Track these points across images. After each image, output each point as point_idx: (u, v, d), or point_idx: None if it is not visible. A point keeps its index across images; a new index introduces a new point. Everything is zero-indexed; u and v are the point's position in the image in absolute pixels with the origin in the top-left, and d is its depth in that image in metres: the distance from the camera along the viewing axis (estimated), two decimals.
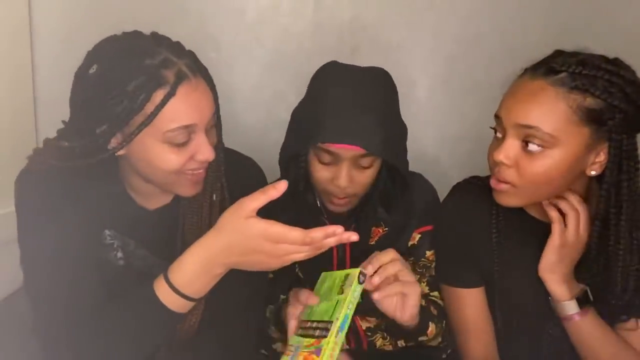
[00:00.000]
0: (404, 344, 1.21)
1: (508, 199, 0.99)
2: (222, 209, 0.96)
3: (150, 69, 0.87)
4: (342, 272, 0.99)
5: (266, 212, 1.03)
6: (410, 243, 1.19)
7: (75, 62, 0.98)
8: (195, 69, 0.92)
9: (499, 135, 0.98)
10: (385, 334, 1.21)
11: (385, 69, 1.07)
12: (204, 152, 0.94)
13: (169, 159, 0.91)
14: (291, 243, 0.83)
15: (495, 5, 1.60)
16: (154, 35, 0.94)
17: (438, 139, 1.70)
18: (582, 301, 1.01)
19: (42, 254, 0.95)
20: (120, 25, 0.99)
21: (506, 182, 0.96)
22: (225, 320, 1.01)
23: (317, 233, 0.83)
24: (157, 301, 0.88)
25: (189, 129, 0.91)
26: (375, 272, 0.96)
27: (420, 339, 1.11)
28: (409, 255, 1.18)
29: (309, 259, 1.10)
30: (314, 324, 0.94)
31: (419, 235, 1.20)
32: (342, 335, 0.88)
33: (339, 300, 0.93)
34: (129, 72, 0.87)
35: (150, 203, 1.05)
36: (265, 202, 0.84)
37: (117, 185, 1.03)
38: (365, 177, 1.09)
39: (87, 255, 0.96)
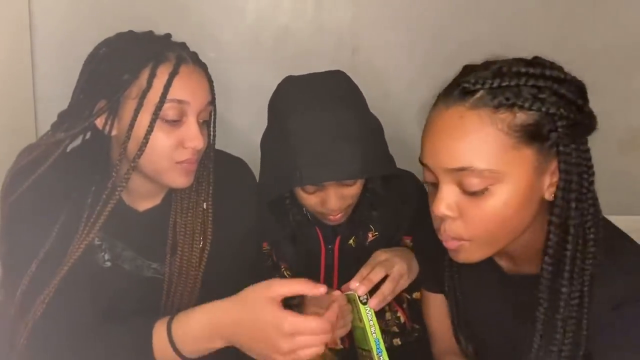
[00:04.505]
0: (399, 343, 1.22)
1: (467, 256, 0.81)
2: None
3: (154, 48, 0.93)
4: (346, 297, 0.99)
5: (264, 227, 1.10)
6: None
7: (75, 62, 0.99)
8: (196, 60, 0.98)
9: (432, 182, 0.80)
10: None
11: (385, 69, 1.07)
12: (194, 138, 0.93)
13: (158, 137, 0.91)
14: (311, 333, 0.75)
15: (494, 5, 1.60)
16: (162, 35, 0.99)
17: None
18: None
19: (27, 253, 0.93)
20: (120, 25, 1.00)
21: (458, 239, 0.79)
22: None
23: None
24: (148, 341, 0.84)
25: (182, 106, 0.92)
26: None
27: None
28: None
29: (297, 262, 1.12)
30: (364, 352, 1.01)
31: (412, 244, 1.19)
32: (384, 354, 0.96)
33: (363, 328, 0.96)
34: (134, 50, 0.93)
35: (139, 204, 1.04)
36: (296, 293, 0.78)
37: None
38: (354, 189, 1.09)
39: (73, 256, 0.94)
